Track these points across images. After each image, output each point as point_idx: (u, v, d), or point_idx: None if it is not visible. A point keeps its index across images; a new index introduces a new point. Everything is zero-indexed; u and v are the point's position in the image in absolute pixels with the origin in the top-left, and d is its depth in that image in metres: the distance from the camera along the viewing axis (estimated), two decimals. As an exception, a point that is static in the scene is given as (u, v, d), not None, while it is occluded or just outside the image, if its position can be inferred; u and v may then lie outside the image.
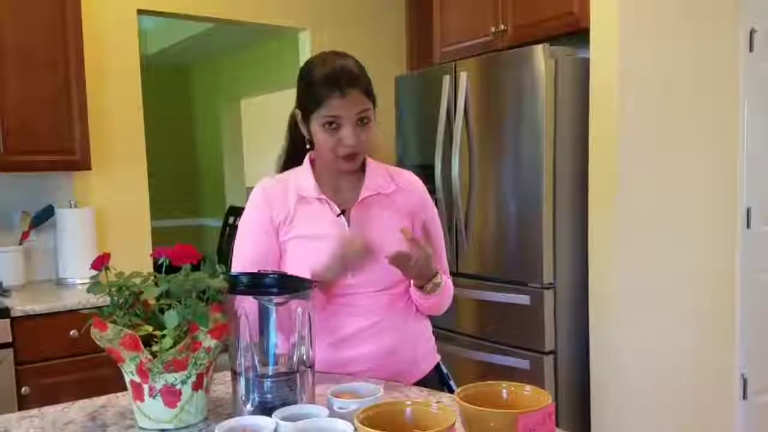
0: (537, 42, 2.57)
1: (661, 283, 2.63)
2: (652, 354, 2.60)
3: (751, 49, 2.81)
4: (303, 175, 1.51)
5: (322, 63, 1.43)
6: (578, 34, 2.61)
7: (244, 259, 1.47)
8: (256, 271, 1.27)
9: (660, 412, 2.63)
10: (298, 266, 1.40)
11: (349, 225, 1.46)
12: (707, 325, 2.80)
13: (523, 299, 2.62)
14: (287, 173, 1.55)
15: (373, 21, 3.99)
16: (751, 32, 2.81)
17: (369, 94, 1.42)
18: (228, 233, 5.68)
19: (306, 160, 1.54)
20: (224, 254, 5.30)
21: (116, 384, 1.38)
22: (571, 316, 2.64)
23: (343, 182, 1.51)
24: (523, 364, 2.62)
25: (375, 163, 1.54)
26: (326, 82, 1.38)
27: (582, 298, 2.64)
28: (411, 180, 1.57)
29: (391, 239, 1.46)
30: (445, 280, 1.50)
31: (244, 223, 1.52)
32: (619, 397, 2.55)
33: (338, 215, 1.46)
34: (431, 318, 1.60)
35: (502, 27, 2.91)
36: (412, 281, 1.47)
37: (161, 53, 5.76)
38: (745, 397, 2.92)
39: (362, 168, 1.53)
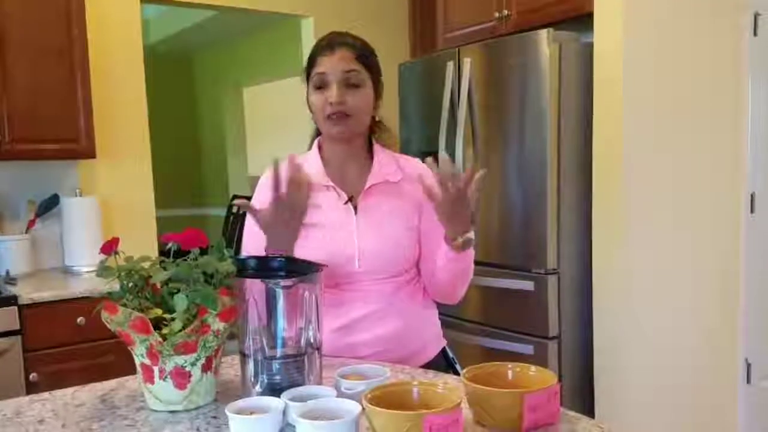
0: (541, 27, 2.56)
1: (665, 268, 2.64)
2: (655, 339, 2.61)
3: (755, 33, 2.80)
4: (311, 161, 1.51)
5: (323, 36, 1.51)
6: (582, 19, 2.60)
7: (253, 245, 1.48)
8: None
9: (663, 397, 2.65)
10: (304, 254, 1.40)
11: (356, 212, 1.47)
12: (711, 309, 2.81)
13: (527, 285, 2.63)
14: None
15: (376, 7, 3.99)
16: (755, 16, 2.79)
17: (362, 61, 1.46)
18: (232, 222, 5.70)
19: (314, 145, 1.55)
20: (228, 242, 5.32)
21: (122, 370, 1.40)
22: (574, 301, 2.65)
23: (350, 169, 1.51)
24: (527, 349, 2.63)
25: (383, 151, 1.55)
26: (320, 45, 1.47)
27: (586, 283, 2.65)
28: (419, 169, 1.56)
29: (397, 228, 1.47)
30: (471, 251, 1.45)
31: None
32: (622, 381, 2.56)
33: (345, 203, 1.47)
34: (438, 304, 1.61)
35: (505, 12, 2.90)
36: (447, 241, 1.39)
37: (163, 42, 5.75)
38: (749, 381, 2.93)
39: (370, 155, 1.53)
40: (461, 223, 1.34)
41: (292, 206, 1.32)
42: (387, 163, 1.53)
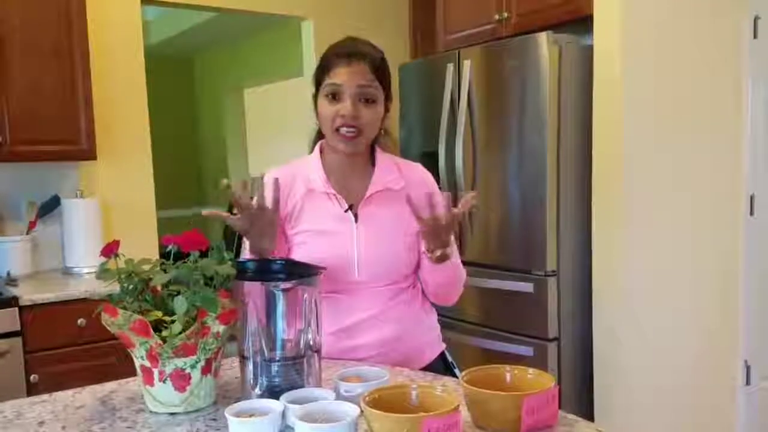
0: (540, 29, 2.57)
1: (665, 269, 2.64)
2: (654, 340, 2.62)
3: (755, 36, 2.81)
4: (312, 166, 1.51)
5: (339, 41, 1.47)
6: (582, 21, 2.60)
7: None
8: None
9: (663, 398, 2.65)
10: (304, 261, 1.41)
11: (356, 220, 1.47)
12: (710, 311, 2.82)
13: (527, 287, 2.63)
14: (296, 163, 1.56)
15: (376, 9, 3.99)
16: (755, 19, 2.80)
17: (377, 74, 1.42)
18: (232, 223, 5.69)
19: (316, 149, 1.54)
20: (228, 244, 5.33)
21: (122, 372, 1.40)
22: (574, 303, 2.65)
23: (352, 177, 1.50)
24: (526, 351, 2.64)
25: (385, 157, 1.54)
26: (336, 53, 1.42)
27: (585, 285, 2.65)
28: (420, 175, 1.57)
29: (397, 236, 1.47)
30: (456, 260, 1.47)
31: None
32: (621, 382, 2.56)
33: (345, 211, 1.47)
34: (437, 306, 1.61)
35: (505, 14, 2.91)
36: (423, 250, 1.41)
37: (163, 43, 5.76)
38: (748, 383, 2.93)
39: (372, 162, 1.53)
40: (441, 243, 1.36)
41: (257, 219, 1.32)
42: (389, 170, 1.52)
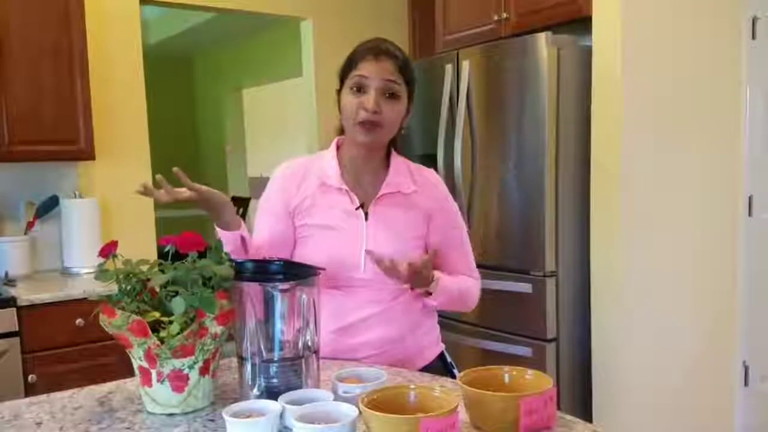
0: (540, 30, 2.56)
1: (663, 270, 2.64)
2: (653, 341, 2.62)
3: (753, 37, 2.81)
4: (328, 161, 1.52)
5: (368, 40, 1.50)
6: (581, 22, 2.61)
7: (259, 243, 1.49)
8: (269, 256, 1.30)
9: (661, 399, 2.65)
10: (310, 254, 1.42)
11: (366, 219, 1.47)
12: (709, 312, 2.82)
13: (526, 287, 2.63)
14: (311, 157, 1.58)
15: (375, 9, 3.99)
16: (754, 20, 2.80)
17: (403, 73, 1.45)
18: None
19: (333, 145, 1.55)
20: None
21: (121, 372, 1.41)
22: (573, 303, 2.65)
23: (366, 175, 1.52)
24: (525, 351, 2.64)
25: (399, 161, 1.55)
26: (365, 48, 1.46)
27: (584, 285, 2.65)
28: (432, 180, 1.58)
29: (404, 238, 1.48)
30: (456, 285, 1.56)
31: (260, 208, 1.55)
32: (620, 383, 2.57)
33: (357, 208, 1.47)
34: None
35: (504, 15, 2.91)
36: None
37: (163, 43, 5.76)
38: (746, 384, 2.93)
39: (386, 163, 1.54)
40: (420, 283, 1.46)
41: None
42: (401, 172, 1.53)
